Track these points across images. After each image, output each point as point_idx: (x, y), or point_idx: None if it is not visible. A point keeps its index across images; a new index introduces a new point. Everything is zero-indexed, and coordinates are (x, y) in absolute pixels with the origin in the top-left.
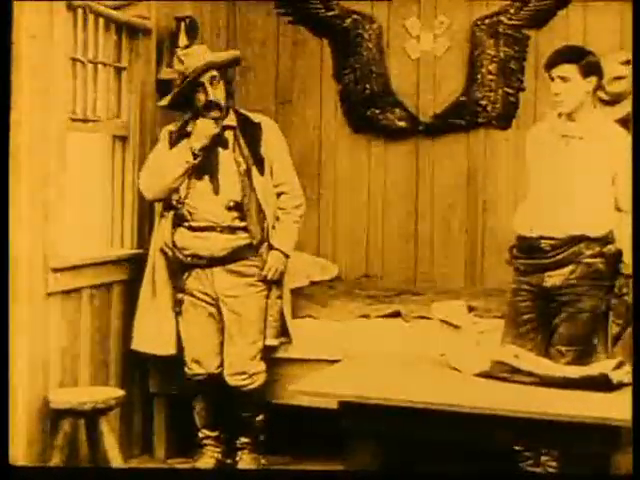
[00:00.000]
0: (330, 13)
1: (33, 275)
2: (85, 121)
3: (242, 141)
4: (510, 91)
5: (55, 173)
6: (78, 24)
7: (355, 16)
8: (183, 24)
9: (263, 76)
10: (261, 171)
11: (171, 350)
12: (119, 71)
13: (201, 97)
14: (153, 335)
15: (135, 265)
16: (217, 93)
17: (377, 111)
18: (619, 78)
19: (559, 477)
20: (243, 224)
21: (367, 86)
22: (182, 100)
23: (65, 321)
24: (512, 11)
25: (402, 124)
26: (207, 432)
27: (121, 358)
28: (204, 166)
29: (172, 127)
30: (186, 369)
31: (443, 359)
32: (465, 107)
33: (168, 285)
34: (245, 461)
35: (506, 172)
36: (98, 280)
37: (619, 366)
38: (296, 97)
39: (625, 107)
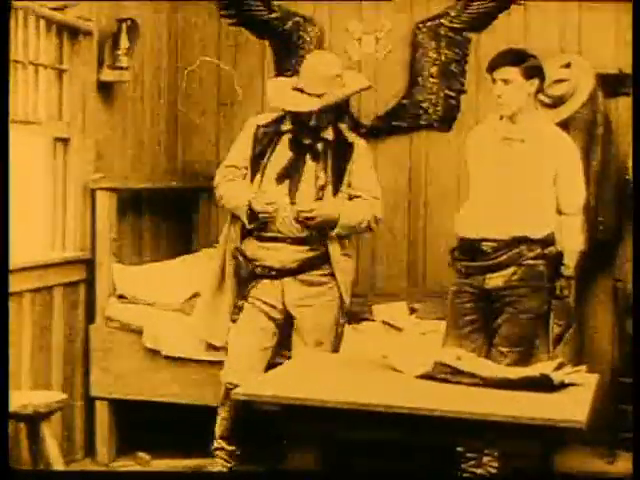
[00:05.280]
0: (272, 15)
1: None
2: (26, 123)
3: (330, 157)
4: (451, 94)
5: None
6: (19, 26)
7: (296, 18)
8: (124, 25)
9: (205, 77)
10: (335, 190)
11: (219, 343)
12: (60, 73)
13: None
14: (210, 324)
15: (77, 268)
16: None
17: None
18: (560, 81)
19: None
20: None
21: None
22: None
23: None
24: (453, 14)
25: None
26: (223, 444)
27: (63, 362)
28: (288, 171)
29: (259, 121)
30: (224, 375)
31: (385, 361)
32: (407, 109)
33: (234, 287)
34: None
35: (448, 174)
36: (40, 283)
37: (560, 367)
38: (238, 99)
39: (566, 110)
